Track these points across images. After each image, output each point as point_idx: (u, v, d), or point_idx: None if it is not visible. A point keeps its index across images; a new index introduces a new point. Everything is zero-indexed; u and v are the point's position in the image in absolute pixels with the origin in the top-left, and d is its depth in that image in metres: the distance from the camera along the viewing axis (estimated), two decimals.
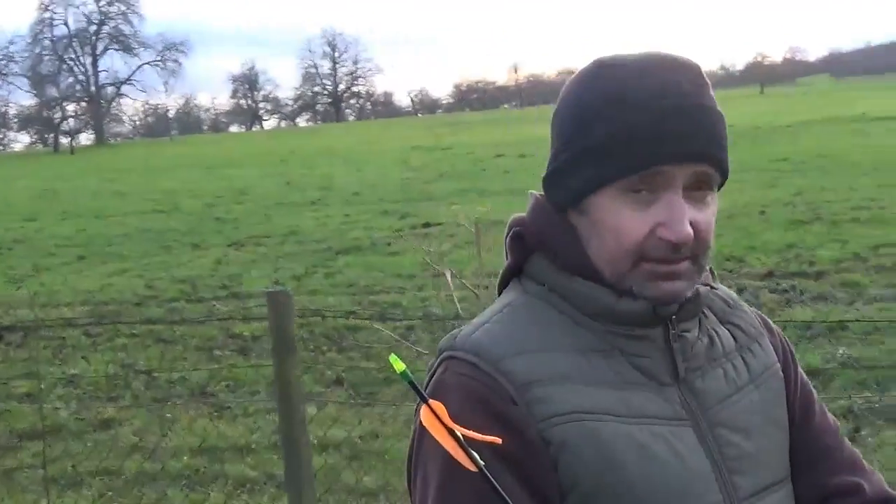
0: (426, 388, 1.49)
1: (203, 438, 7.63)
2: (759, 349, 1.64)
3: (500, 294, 1.63)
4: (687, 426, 1.49)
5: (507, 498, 1.31)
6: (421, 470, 1.48)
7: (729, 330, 1.63)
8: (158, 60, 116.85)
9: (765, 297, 10.95)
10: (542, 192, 1.59)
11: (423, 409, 1.35)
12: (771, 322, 1.73)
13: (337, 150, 54.28)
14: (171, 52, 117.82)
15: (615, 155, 1.44)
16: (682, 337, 1.53)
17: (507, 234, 1.61)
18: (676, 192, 1.45)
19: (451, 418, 1.34)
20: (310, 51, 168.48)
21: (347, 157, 47.21)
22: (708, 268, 1.58)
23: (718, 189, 1.52)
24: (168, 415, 8.60)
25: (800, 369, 1.70)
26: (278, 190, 32.37)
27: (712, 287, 1.61)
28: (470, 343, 1.49)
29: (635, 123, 1.43)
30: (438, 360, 1.52)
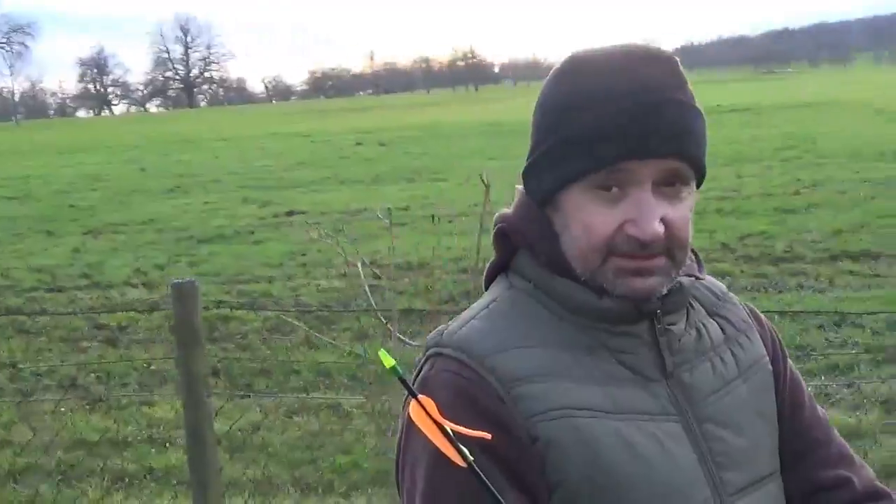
0: (413, 384, 1.47)
1: (76, 432, 7.39)
2: (747, 342, 1.64)
3: (486, 289, 1.62)
4: (675, 421, 1.49)
5: (495, 493, 1.30)
6: (409, 465, 1.48)
7: (717, 322, 1.63)
8: (3, 43, 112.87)
9: None
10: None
11: (412, 405, 1.33)
12: (760, 314, 1.73)
13: (192, 137, 53.36)
14: (17, 35, 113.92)
15: (582, 151, 1.45)
16: (668, 331, 1.53)
17: (493, 229, 1.61)
18: (644, 188, 1.45)
19: (440, 414, 1.34)
20: (161, 35, 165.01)
21: (203, 144, 46.46)
22: (692, 260, 1.59)
23: (698, 185, 1.52)
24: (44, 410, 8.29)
25: (789, 361, 1.71)
26: (133, 177, 31.65)
27: (698, 278, 1.61)
28: (456, 339, 1.49)
29: (602, 119, 1.43)
30: (425, 356, 1.52)
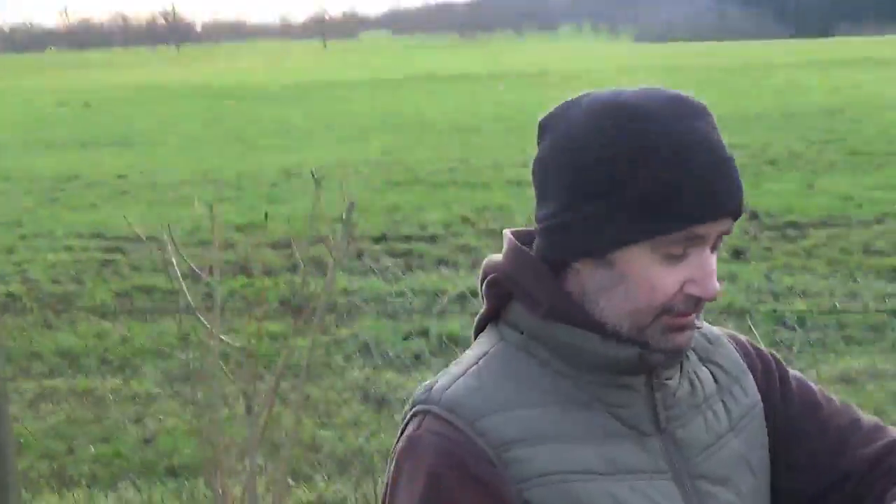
0: (398, 441, 1.46)
1: None
2: (739, 392, 1.62)
3: (475, 338, 1.58)
4: (668, 479, 1.48)
5: None
6: None
7: (710, 370, 1.61)
8: None
9: (385, 261, 11.12)
10: (536, 238, 1.51)
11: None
12: (747, 342, 1.71)
13: None
14: None
15: (658, 212, 1.39)
16: (664, 385, 1.50)
17: (483, 278, 1.55)
18: (707, 247, 1.43)
19: (426, 477, 1.38)
20: None
21: None
22: None
23: None
24: None
25: (791, 373, 1.69)
26: None
27: (697, 327, 1.57)
28: (446, 399, 1.45)
29: (680, 178, 1.38)
30: (412, 412, 1.48)
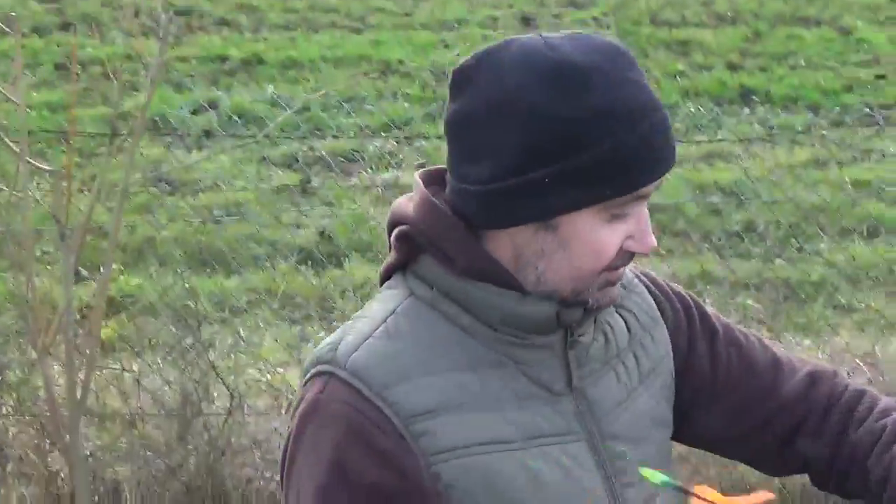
0: (300, 401, 1.42)
1: None
2: (650, 342, 1.60)
3: (381, 284, 1.52)
4: (580, 440, 1.47)
5: None
6: (294, 488, 1.42)
7: (623, 318, 1.58)
8: None
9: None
10: (455, 192, 1.45)
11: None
12: (663, 282, 1.68)
13: None
14: None
15: (613, 176, 1.37)
16: (578, 342, 1.48)
17: (391, 228, 1.49)
18: (645, 203, 1.43)
19: (331, 452, 1.35)
20: None
21: None
22: None
23: None
24: None
25: (710, 313, 1.67)
26: None
27: None
28: (353, 363, 1.39)
29: (631, 142, 1.36)
30: (314, 372, 1.42)
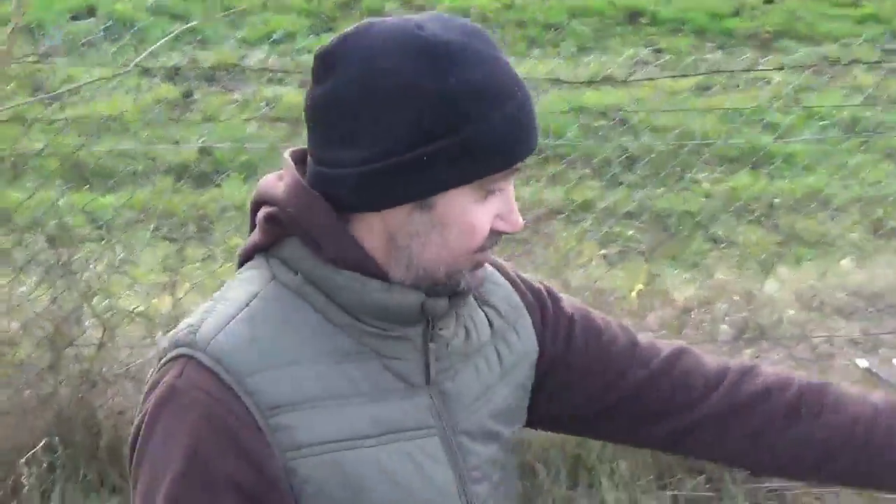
0: (155, 385, 1.37)
1: None
2: (513, 337, 1.61)
3: (240, 266, 1.50)
4: (434, 435, 1.48)
5: None
6: (150, 466, 1.36)
7: (486, 313, 1.59)
8: None
9: None
10: (319, 173, 1.43)
11: None
12: (516, 275, 1.69)
13: None
14: None
15: (487, 154, 1.37)
16: (439, 336, 1.48)
17: (256, 207, 1.47)
18: (511, 182, 1.43)
19: (186, 441, 1.32)
20: None
21: None
22: None
23: None
24: None
25: (563, 302, 1.69)
26: None
27: None
28: (214, 347, 1.36)
29: (502, 120, 1.36)
30: (172, 354, 1.38)
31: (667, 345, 1.71)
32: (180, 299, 4.32)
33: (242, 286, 1.44)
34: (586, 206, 6.21)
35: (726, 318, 5.20)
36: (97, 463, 4.06)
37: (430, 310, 1.43)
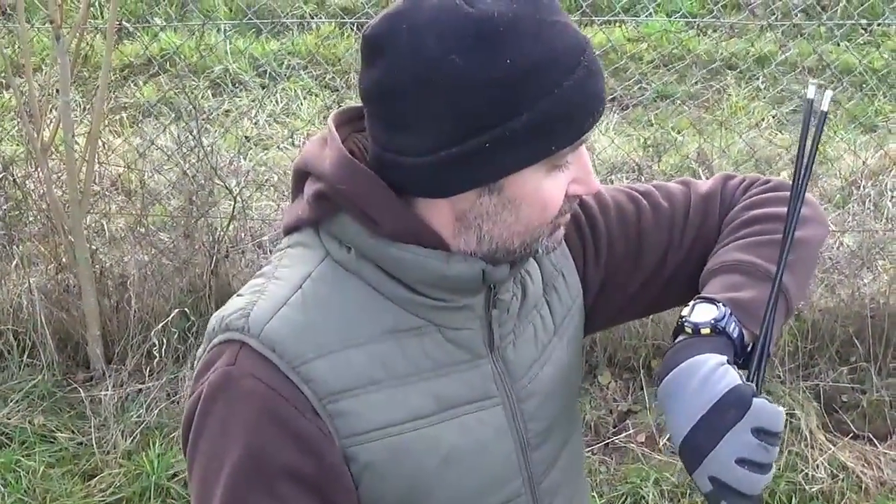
0: (208, 367, 1.32)
1: None
2: (562, 284, 1.58)
3: (286, 234, 1.44)
4: (497, 405, 1.45)
5: None
6: (202, 465, 1.33)
7: (537, 261, 1.55)
8: None
9: None
10: (377, 153, 1.37)
11: None
12: None
13: None
14: None
15: (554, 130, 1.31)
16: (500, 301, 1.44)
17: (300, 176, 1.42)
18: (583, 146, 1.38)
19: (244, 435, 1.28)
20: None
21: None
22: None
23: None
24: None
25: (594, 213, 1.63)
26: None
27: None
28: (267, 333, 1.31)
29: (568, 93, 1.29)
30: (223, 338, 1.33)
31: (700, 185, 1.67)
32: None
33: (294, 265, 1.39)
34: (761, 61, 5.86)
35: (894, 193, 4.86)
36: None
37: (492, 277, 1.39)
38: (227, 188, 4.16)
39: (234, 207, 4.13)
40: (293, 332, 1.32)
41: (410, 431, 1.36)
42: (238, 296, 1.39)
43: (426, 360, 1.38)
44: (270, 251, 4.36)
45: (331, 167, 1.36)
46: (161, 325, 4.04)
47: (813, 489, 3.87)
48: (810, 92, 1.53)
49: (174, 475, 3.89)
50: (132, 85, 6.15)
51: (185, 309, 4.09)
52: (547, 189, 1.35)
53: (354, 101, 6.12)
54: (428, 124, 1.30)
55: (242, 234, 4.29)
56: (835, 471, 3.94)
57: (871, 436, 4.11)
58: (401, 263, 1.35)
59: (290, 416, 1.29)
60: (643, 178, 4.64)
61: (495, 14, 1.26)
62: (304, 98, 6.08)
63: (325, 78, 6.15)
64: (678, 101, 5.65)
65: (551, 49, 1.27)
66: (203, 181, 4.11)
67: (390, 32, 1.30)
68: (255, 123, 5.74)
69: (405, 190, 1.35)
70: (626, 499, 3.80)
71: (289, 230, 1.44)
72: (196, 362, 1.39)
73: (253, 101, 5.91)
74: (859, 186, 4.96)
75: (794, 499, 3.83)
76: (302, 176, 1.42)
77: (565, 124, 1.30)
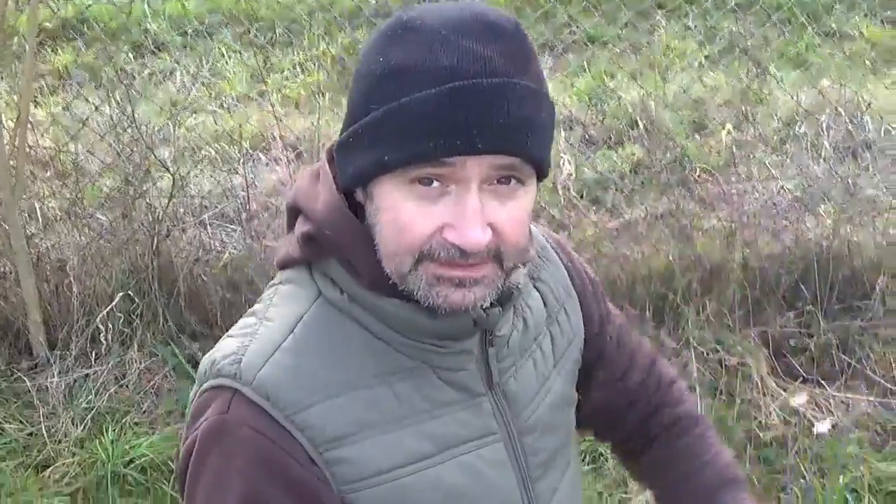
0: (200, 416, 1.29)
1: None
2: (563, 318, 1.55)
3: (280, 269, 1.41)
4: (497, 441, 1.41)
5: None
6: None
7: (540, 291, 1.52)
8: None
9: None
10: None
11: None
12: (575, 257, 1.63)
13: None
14: None
15: (398, 139, 1.23)
16: (498, 338, 1.40)
17: (293, 212, 1.39)
18: (469, 187, 1.23)
19: (241, 482, 1.24)
20: None
21: None
22: (522, 262, 1.37)
23: (540, 180, 1.32)
24: None
25: (606, 296, 1.69)
26: None
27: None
28: (260, 381, 1.27)
29: (422, 105, 1.21)
30: (216, 384, 1.29)
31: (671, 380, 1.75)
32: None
33: (286, 304, 1.35)
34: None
35: (830, 132, 4.91)
36: (175, 311, 4.10)
37: (484, 323, 1.33)
38: (164, 166, 4.04)
39: (173, 185, 4.03)
40: (287, 380, 1.28)
41: (410, 475, 1.32)
42: (229, 336, 1.34)
43: (422, 402, 1.35)
44: (210, 225, 4.29)
45: (322, 210, 1.33)
46: (106, 309, 3.94)
47: (767, 436, 3.93)
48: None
49: (130, 461, 3.82)
50: (49, 50, 5.95)
51: (129, 292, 3.99)
52: (405, 210, 1.25)
53: (279, 58, 6.07)
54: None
55: (182, 211, 4.18)
56: (787, 416, 4.01)
57: (820, 379, 4.18)
58: (386, 315, 1.32)
59: (286, 466, 1.26)
60: (586, 135, 4.63)
61: (413, 19, 1.25)
62: (229, 57, 5.94)
63: (248, 35, 6.02)
64: (610, 46, 5.62)
65: (425, 60, 1.22)
66: (139, 160, 3.98)
67: None
68: (183, 87, 5.59)
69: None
70: (584, 456, 3.81)
71: (281, 266, 1.41)
72: (189, 403, 1.34)
73: (176, 63, 5.75)
74: (797, 127, 5.01)
75: (748, 446, 3.89)
76: (295, 212, 1.38)
77: (399, 137, 1.22)
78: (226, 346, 1.32)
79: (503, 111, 1.20)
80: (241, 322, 1.36)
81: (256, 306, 1.38)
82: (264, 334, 1.31)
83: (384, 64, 1.24)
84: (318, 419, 1.27)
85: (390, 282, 1.29)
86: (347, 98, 1.32)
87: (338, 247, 1.32)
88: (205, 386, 1.31)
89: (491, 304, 1.31)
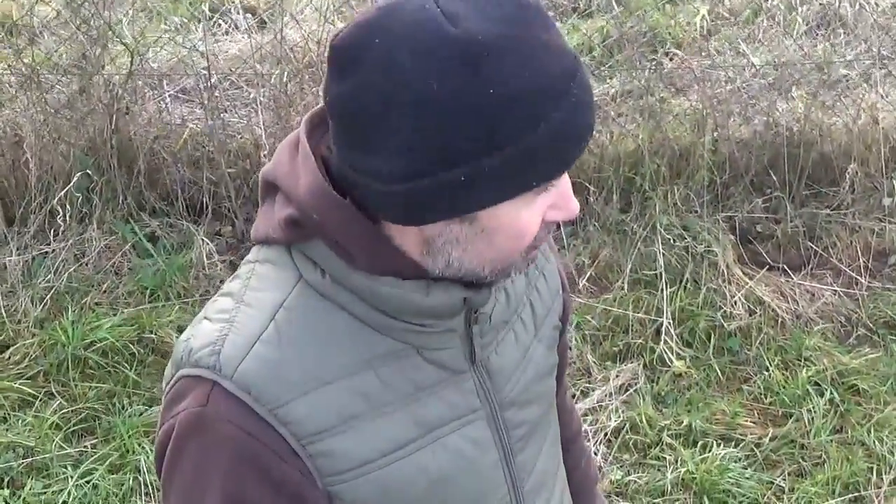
0: (176, 405, 1.25)
1: None
2: (543, 285, 1.53)
3: (256, 244, 1.35)
4: (480, 418, 1.40)
5: None
6: (180, 499, 1.29)
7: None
8: None
9: None
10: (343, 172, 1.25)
11: None
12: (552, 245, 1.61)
13: None
14: None
15: (534, 166, 1.19)
16: (482, 315, 1.37)
17: (267, 186, 1.32)
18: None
19: (222, 479, 1.22)
20: None
21: None
22: None
23: None
24: None
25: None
26: None
27: None
28: (241, 374, 1.23)
29: (550, 126, 1.16)
30: (193, 373, 1.25)
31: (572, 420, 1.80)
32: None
33: (265, 288, 1.30)
34: None
35: (802, 7, 4.79)
36: (135, 188, 4.01)
37: (475, 303, 1.33)
38: (122, 43, 3.88)
39: (131, 61, 3.88)
40: (269, 373, 1.24)
41: (395, 462, 1.31)
42: (205, 319, 1.29)
43: (406, 385, 1.32)
44: (170, 98, 4.15)
45: (305, 193, 1.25)
46: (65, 188, 3.83)
47: (731, 326, 3.95)
48: None
49: (91, 344, 3.78)
50: None
51: (88, 170, 3.88)
52: (524, 219, 1.25)
53: None
54: (397, 151, 1.17)
55: (141, 84, 4.04)
56: (752, 306, 4.02)
57: (786, 267, 4.19)
58: (379, 296, 1.28)
59: (269, 463, 1.24)
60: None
61: (480, 36, 1.13)
62: None
63: None
64: None
65: (539, 76, 1.15)
66: (96, 36, 3.82)
67: (361, 46, 1.17)
68: None
69: (373, 214, 1.25)
70: None
71: (258, 242, 1.35)
72: (164, 385, 1.30)
73: None
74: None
75: (713, 336, 3.92)
76: (272, 187, 1.31)
77: (549, 159, 1.19)
78: (202, 331, 1.27)
79: (593, 103, 1.23)
80: (218, 304, 1.30)
81: (232, 284, 1.32)
82: (243, 322, 1.27)
83: (497, 94, 1.14)
84: (300, 413, 1.24)
85: (387, 264, 1.26)
86: (396, 137, 1.17)
87: (326, 231, 1.26)
88: (181, 373, 1.26)
89: None
